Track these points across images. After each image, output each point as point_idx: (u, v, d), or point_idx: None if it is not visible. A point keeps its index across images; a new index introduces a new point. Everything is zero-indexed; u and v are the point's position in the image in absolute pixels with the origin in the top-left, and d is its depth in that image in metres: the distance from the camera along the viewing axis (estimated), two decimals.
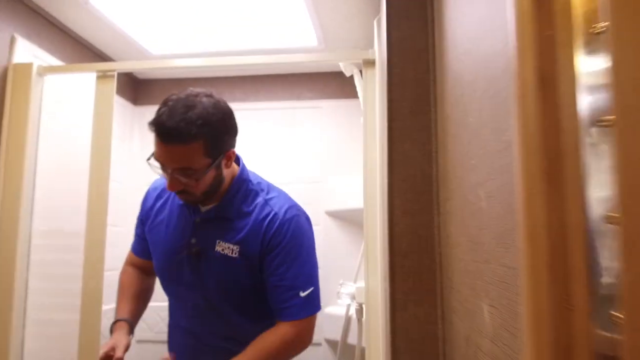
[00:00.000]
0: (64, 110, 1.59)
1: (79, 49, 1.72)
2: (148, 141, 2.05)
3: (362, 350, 1.53)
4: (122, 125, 1.95)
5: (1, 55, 1.37)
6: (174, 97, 1.08)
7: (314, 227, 1.72)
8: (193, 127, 1.04)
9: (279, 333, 1.18)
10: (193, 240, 1.19)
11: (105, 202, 1.35)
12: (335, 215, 1.87)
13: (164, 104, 1.07)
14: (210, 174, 1.13)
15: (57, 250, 1.52)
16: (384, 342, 1.15)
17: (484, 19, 0.62)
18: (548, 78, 0.40)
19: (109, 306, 1.60)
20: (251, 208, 1.22)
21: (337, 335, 1.75)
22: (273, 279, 1.19)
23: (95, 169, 1.37)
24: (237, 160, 1.29)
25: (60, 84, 1.55)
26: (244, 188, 1.23)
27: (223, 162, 1.16)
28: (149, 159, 1.11)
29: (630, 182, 0.29)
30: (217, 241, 1.19)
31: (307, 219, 1.30)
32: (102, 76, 1.38)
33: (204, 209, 1.21)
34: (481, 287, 0.62)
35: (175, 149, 1.06)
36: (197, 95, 1.11)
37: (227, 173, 1.19)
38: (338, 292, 1.64)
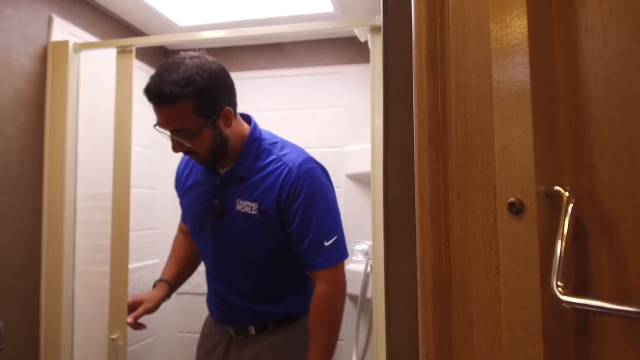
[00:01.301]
0: (100, 83, 1.74)
1: (111, 24, 1.84)
2: None
3: None
4: None
5: (41, 34, 1.50)
6: (162, 62, 1.14)
7: (336, 190, 1.79)
8: (177, 87, 1.07)
9: (317, 297, 1.22)
10: (215, 202, 1.25)
11: (128, 168, 1.47)
12: (355, 178, 1.94)
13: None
14: (207, 133, 1.15)
15: (99, 211, 1.70)
16: (382, 294, 1.24)
17: None
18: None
19: (135, 264, 1.78)
20: (265, 165, 1.24)
21: (357, 290, 1.86)
22: (296, 232, 1.21)
23: (119, 137, 1.50)
24: (249, 120, 1.32)
25: (96, 59, 1.69)
26: (257, 146, 1.26)
27: (221, 122, 1.18)
28: (155, 125, 1.17)
29: None
30: (237, 200, 1.23)
31: (323, 170, 1.30)
32: (121, 51, 1.50)
33: (222, 171, 1.26)
34: None
35: (166, 111, 1.11)
36: (183, 58, 1.13)
37: (232, 133, 1.21)
38: (352, 250, 1.74)
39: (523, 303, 0.31)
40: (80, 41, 1.57)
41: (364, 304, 1.84)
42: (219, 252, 1.27)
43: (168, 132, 1.16)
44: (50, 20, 1.53)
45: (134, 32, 1.96)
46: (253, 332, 1.29)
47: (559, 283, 0.31)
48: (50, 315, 1.44)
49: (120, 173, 1.47)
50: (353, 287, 1.90)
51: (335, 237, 1.25)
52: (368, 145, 1.37)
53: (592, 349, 0.33)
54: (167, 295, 1.36)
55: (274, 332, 1.28)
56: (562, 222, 0.31)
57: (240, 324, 1.30)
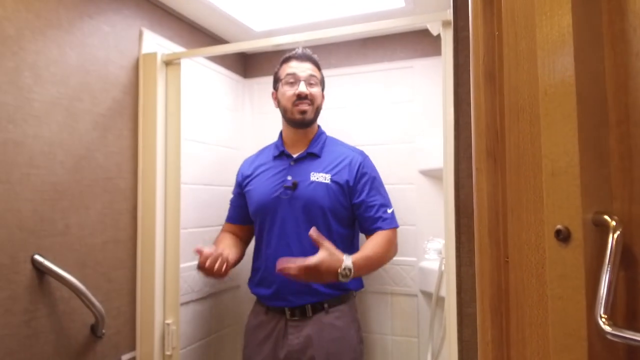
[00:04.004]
0: (189, 90, 1.87)
1: (195, 34, 1.97)
2: (257, 110, 2.30)
3: None
4: (234, 98, 2.20)
5: (133, 47, 1.65)
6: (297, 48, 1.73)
7: (408, 186, 1.92)
8: (315, 58, 1.71)
9: (383, 234, 1.57)
10: (289, 177, 1.60)
11: (178, 166, 1.63)
12: (429, 174, 1.91)
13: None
14: (320, 93, 1.68)
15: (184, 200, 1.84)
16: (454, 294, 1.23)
17: None
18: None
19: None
20: (332, 149, 1.67)
21: (431, 288, 1.84)
22: (366, 200, 1.59)
23: (170, 135, 1.66)
24: (318, 125, 1.76)
25: (185, 68, 1.82)
26: (324, 136, 1.73)
27: (322, 94, 1.71)
28: (276, 88, 1.71)
29: None
30: (312, 173, 1.59)
31: None
32: (169, 63, 1.65)
33: (296, 155, 1.66)
34: None
35: (306, 65, 1.66)
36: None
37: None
38: (425, 248, 1.73)
39: (569, 329, 0.31)
40: (167, 52, 1.70)
41: (438, 302, 1.82)
42: (290, 217, 1.56)
43: (298, 80, 1.63)
44: (140, 34, 1.67)
45: (216, 40, 2.08)
46: (310, 312, 1.46)
47: (603, 314, 0.30)
48: (145, 304, 1.59)
49: (171, 172, 1.63)
50: (426, 284, 1.88)
51: (392, 209, 1.64)
52: (441, 140, 1.36)
53: None
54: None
55: (327, 312, 1.53)
56: (607, 251, 0.31)
57: (298, 303, 1.53)
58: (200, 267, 1.46)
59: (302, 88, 1.61)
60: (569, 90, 0.31)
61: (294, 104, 1.61)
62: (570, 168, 0.31)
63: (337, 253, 1.41)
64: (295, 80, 1.63)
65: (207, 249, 1.49)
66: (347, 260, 1.40)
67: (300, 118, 1.62)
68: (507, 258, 0.43)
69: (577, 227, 0.31)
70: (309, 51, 1.70)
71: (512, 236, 0.40)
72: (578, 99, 0.31)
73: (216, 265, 1.44)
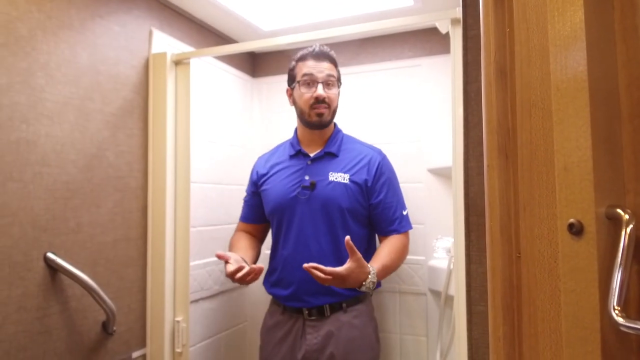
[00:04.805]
0: (199, 90, 1.89)
1: (204, 34, 1.98)
2: (266, 109, 2.31)
3: None
4: (243, 97, 2.21)
5: (143, 47, 1.66)
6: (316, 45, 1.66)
7: (416, 184, 1.91)
8: (333, 55, 1.64)
9: (398, 238, 1.56)
10: (307, 177, 1.58)
11: (188, 165, 1.65)
12: (437, 172, 1.91)
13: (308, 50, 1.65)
14: (337, 91, 1.63)
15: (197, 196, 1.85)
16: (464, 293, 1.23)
17: None
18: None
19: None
20: (350, 148, 1.64)
21: (440, 287, 1.84)
22: (384, 201, 1.57)
23: (180, 135, 1.66)
24: (334, 123, 1.71)
25: (195, 68, 1.84)
26: (341, 135, 1.69)
27: (339, 91, 1.65)
28: (292, 87, 1.64)
29: None
30: (330, 172, 1.57)
31: None
32: (179, 62, 1.65)
33: (312, 154, 1.63)
34: None
35: (323, 64, 1.59)
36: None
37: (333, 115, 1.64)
38: (433, 246, 1.72)
39: (583, 322, 0.31)
40: (177, 51, 1.71)
41: (447, 301, 1.82)
42: (308, 217, 1.54)
43: (315, 81, 1.58)
44: (150, 34, 1.68)
45: (225, 39, 2.09)
46: (328, 312, 1.45)
47: (616, 306, 0.30)
48: (155, 301, 1.60)
49: (181, 171, 1.64)
50: (434, 283, 1.88)
51: (407, 210, 1.63)
52: (449, 139, 1.36)
53: None
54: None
55: (345, 312, 1.53)
56: (620, 245, 0.31)
57: (316, 304, 1.51)
58: (230, 277, 1.45)
59: (320, 91, 1.55)
60: (581, 86, 0.31)
61: (312, 107, 1.57)
62: (582, 162, 0.31)
63: (366, 266, 1.41)
64: (312, 81, 1.57)
65: (232, 258, 1.48)
66: (373, 275, 1.42)
67: (318, 120, 1.58)
68: (519, 254, 0.44)
69: (590, 221, 0.32)
70: (326, 48, 1.63)
71: (524, 231, 0.40)
72: (591, 93, 0.31)
73: (249, 277, 1.45)
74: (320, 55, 1.60)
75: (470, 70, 1.13)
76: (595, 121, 0.31)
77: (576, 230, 0.32)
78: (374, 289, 1.43)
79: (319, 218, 1.53)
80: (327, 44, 2.13)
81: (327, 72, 1.58)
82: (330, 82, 1.58)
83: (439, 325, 1.80)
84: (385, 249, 1.53)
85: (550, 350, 0.34)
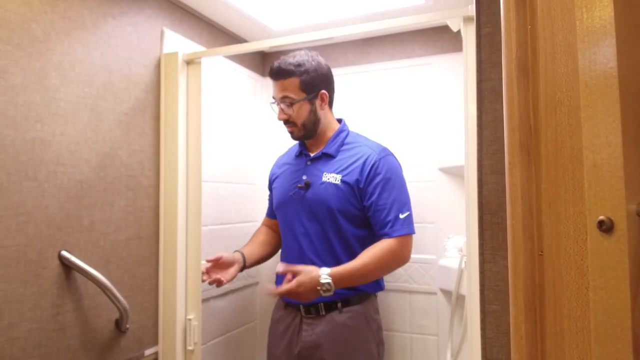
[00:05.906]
0: (210, 89, 1.89)
1: (215, 33, 1.99)
2: (276, 109, 2.31)
3: None
4: (253, 96, 2.22)
5: (155, 46, 1.67)
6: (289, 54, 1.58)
7: (428, 184, 1.91)
8: (289, 67, 1.52)
9: (385, 244, 1.47)
10: (304, 177, 1.59)
11: (199, 164, 1.66)
12: (448, 171, 1.90)
13: None
14: (306, 107, 1.55)
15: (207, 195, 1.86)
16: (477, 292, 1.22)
17: None
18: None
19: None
20: (349, 148, 1.59)
21: (450, 286, 1.83)
22: (376, 202, 1.49)
23: (191, 134, 1.67)
24: (340, 121, 1.69)
25: (206, 67, 1.84)
26: (344, 135, 1.63)
27: (317, 101, 1.56)
28: (272, 102, 1.61)
29: None
30: (324, 173, 1.55)
31: (397, 159, 1.61)
32: (190, 62, 1.67)
33: (313, 154, 1.62)
34: None
35: (279, 83, 1.54)
36: (300, 49, 1.60)
37: (324, 117, 1.59)
38: (444, 245, 1.72)
39: (613, 319, 0.31)
40: (188, 51, 1.71)
41: (458, 300, 1.81)
42: (301, 217, 1.55)
43: (277, 102, 1.56)
44: (162, 34, 1.69)
45: (235, 39, 2.10)
46: (323, 311, 1.46)
47: None
48: (167, 299, 1.61)
49: (193, 170, 1.66)
50: (445, 282, 1.88)
51: (408, 212, 1.51)
52: (460, 137, 1.35)
53: None
54: (242, 266, 1.63)
55: (341, 312, 1.51)
56: None
57: (312, 301, 1.50)
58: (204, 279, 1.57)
59: (280, 114, 1.58)
60: (611, 82, 0.31)
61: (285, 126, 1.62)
62: (613, 159, 0.31)
63: (313, 271, 1.42)
64: (276, 102, 1.59)
65: (224, 257, 1.59)
66: (325, 277, 1.41)
67: (293, 137, 1.63)
68: (542, 251, 0.43)
69: (621, 218, 0.31)
70: (285, 61, 1.54)
71: (548, 229, 0.40)
72: (621, 89, 0.31)
73: (208, 281, 1.55)
74: (277, 74, 1.55)
75: (484, 68, 1.12)
76: (625, 117, 0.31)
77: (606, 227, 0.32)
78: (334, 289, 1.41)
79: (312, 217, 1.54)
80: (337, 43, 2.13)
81: (282, 93, 1.55)
82: (287, 103, 1.54)
83: (449, 325, 1.80)
84: (365, 253, 1.46)
85: (577, 348, 0.34)
